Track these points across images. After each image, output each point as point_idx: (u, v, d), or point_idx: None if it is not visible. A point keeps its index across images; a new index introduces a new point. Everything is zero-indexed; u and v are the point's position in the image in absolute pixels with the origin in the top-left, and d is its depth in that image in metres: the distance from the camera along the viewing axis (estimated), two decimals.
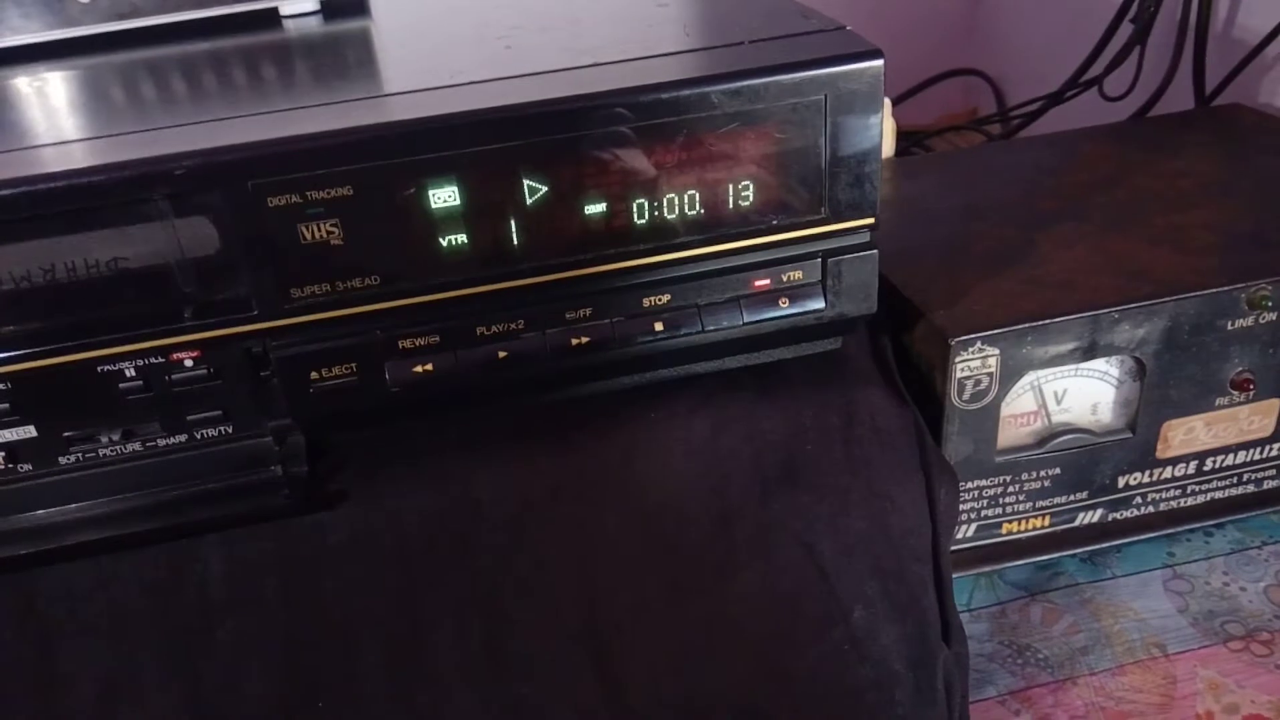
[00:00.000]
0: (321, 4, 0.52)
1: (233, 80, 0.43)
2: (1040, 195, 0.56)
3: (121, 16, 0.49)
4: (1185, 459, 0.51)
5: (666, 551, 0.40)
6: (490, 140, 0.36)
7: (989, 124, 0.89)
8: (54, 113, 0.42)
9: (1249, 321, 0.47)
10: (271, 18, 0.51)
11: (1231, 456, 0.51)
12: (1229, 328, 0.47)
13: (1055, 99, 0.81)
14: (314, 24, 0.51)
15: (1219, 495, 0.52)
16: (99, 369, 0.37)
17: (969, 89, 1.03)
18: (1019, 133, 0.86)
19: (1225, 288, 0.46)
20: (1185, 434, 0.50)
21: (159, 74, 0.46)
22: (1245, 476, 0.52)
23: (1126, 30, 0.75)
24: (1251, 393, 0.49)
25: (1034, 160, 0.62)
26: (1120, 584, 0.52)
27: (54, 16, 0.49)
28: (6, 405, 0.37)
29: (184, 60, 0.47)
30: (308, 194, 0.35)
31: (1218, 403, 0.49)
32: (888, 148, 0.64)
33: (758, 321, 0.41)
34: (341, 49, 0.48)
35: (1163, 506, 0.52)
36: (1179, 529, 0.52)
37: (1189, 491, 0.52)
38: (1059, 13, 0.89)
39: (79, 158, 0.35)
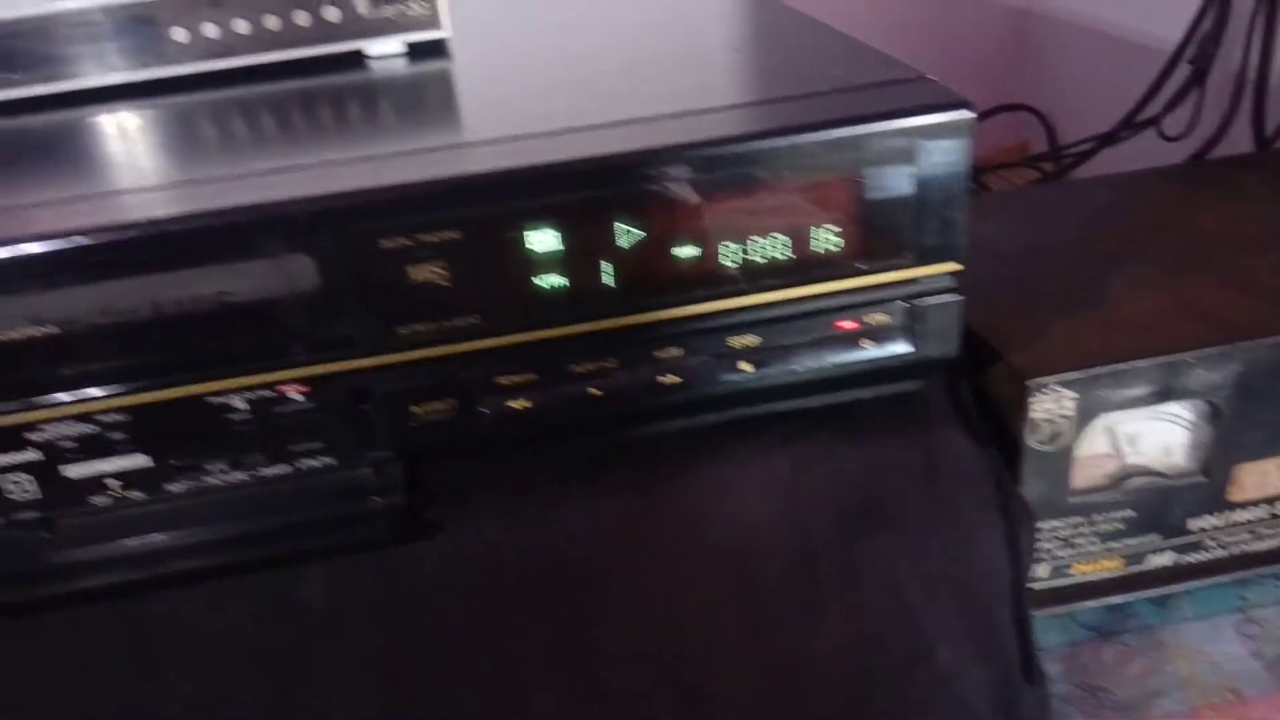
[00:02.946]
0: (406, 46, 0.53)
1: (338, 123, 0.45)
2: (1106, 236, 0.57)
3: (216, 56, 0.51)
4: (1257, 502, 0.51)
5: (752, 589, 0.41)
6: (590, 187, 0.37)
7: (1042, 161, 0.90)
8: (170, 153, 0.44)
9: None
10: (357, 60, 0.53)
11: None
12: None
13: (1109, 138, 0.81)
14: (399, 66, 0.52)
15: None
16: (211, 401, 0.38)
17: (1019, 124, 1.04)
18: (1072, 171, 0.86)
19: None
20: (1258, 477, 0.50)
21: (265, 115, 0.47)
22: None
23: (1183, 70, 0.75)
24: None
25: (1096, 201, 0.62)
26: (1192, 627, 0.52)
27: (151, 55, 0.51)
28: (123, 435, 0.39)
29: (287, 101, 0.48)
30: (418, 237, 0.36)
31: None
32: None
33: (842, 363, 0.42)
34: (434, 92, 0.49)
35: (1234, 550, 0.52)
36: (1251, 573, 0.52)
37: (1261, 535, 0.52)
38: (1113, 50, 0.89)
39: (199, 200, 0.36)
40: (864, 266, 0.40)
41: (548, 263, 0.38)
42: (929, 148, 0.38)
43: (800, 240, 0.40)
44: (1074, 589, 0.51)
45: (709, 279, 0.40)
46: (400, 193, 0.36)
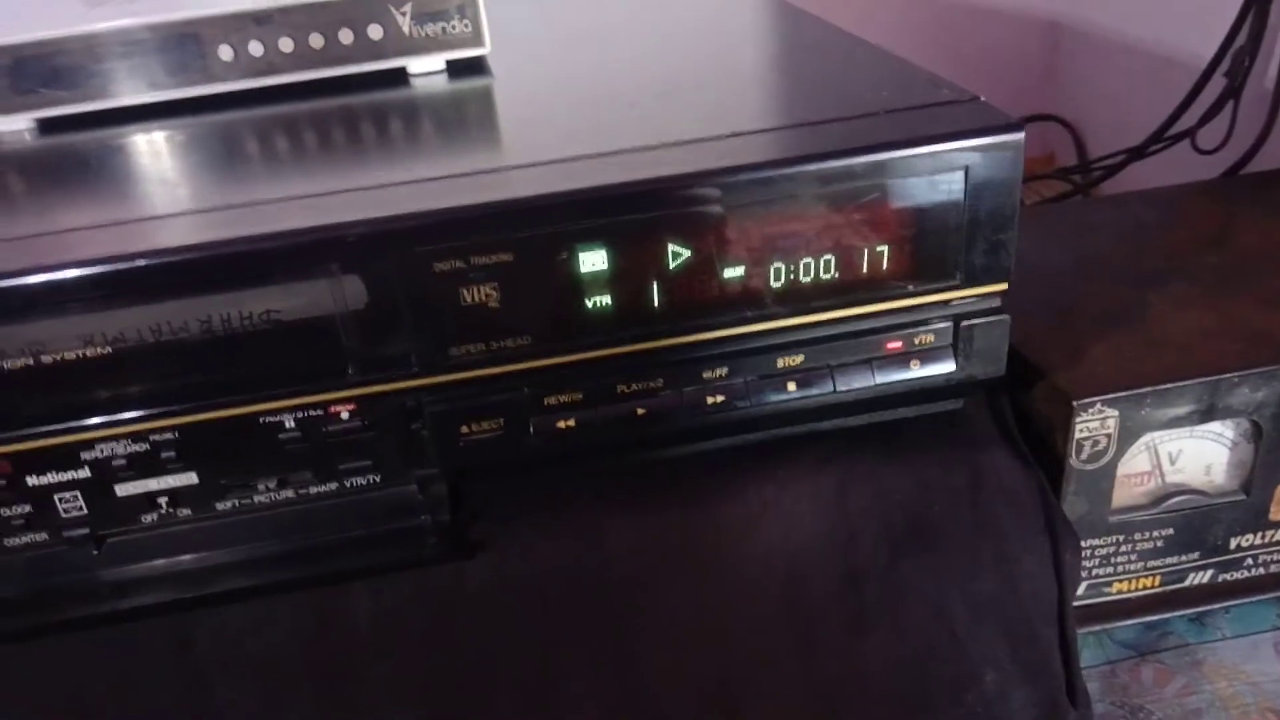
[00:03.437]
0: (447, 63, 0.54)
1: (387, 143, 0.45)
2: (1147, 254, 0.56)
3: (261, 74, 0.51)
4: None
5: (797, 608, 0.41)
6: (641, 210, 0.37)
7: (1071, 174, 0.90)
8: (222, 173, 0.44)
9: None
10: (400, 76, 0.53)
11: None
12: None
13: (1139, 152, 0.81)
14: (441, 83, 0.53)
15: None
16: (262, 420, 0.39)
17: (1046, 133, 1.03)
18: (1101, 183, 0.86)
19: None
20: None
21: (313, 134, 0.48)
22: None
23: (1217, 84, 0.75)
24: None
25: (1134, 216, 0.62)
26: (1230, 645, 0.51)
27: (197, 73, 0.51)
28: (173, 453, 0.39)
29: (335, 120, 0.49)
30: (471, 259, 0.37)
31: None
32: None
33: (889, 383, 0.42)
34: (479, 112, 0.49)
35: (1274, 568, 0.52)
36: None
37: None
38: (1141, 64, 0.89)
39: (256, 222, 0.37)
40: (912, 287, 0.41)
41: (597, 284, 0.38)
42: (980, 170, 0.38)
43: (848, 261, 0.40)
44: (1112, 607, 0.51)
45: (756, 299, 0.40)
46: (454, 216, 0.36)
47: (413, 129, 0.48)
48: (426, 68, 0.53)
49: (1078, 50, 0.99)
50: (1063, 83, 1.01)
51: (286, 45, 0.51)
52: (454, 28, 0.52)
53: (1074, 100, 1.00)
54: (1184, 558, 0.50)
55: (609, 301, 0.39)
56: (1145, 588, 0.51)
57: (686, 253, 0.39)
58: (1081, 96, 0.99)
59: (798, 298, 0.40)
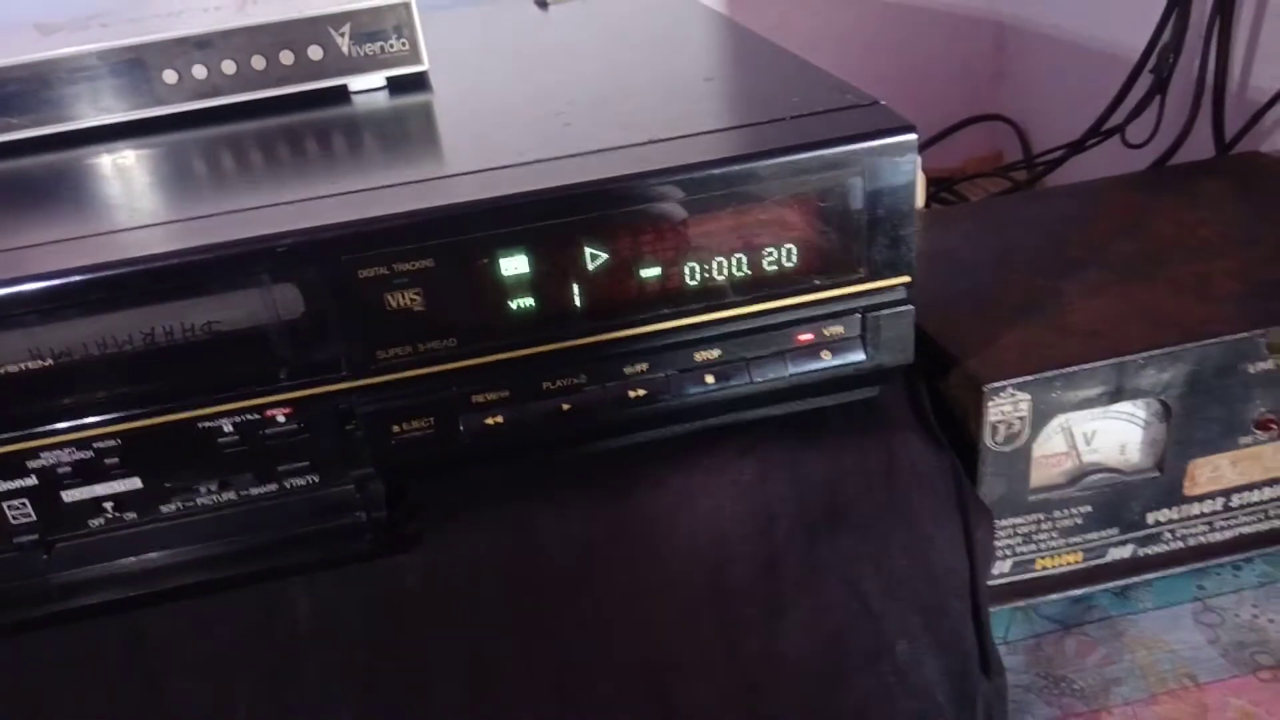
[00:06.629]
0: (387, 80, 0.56)
1: (322, 158, 0.47)
2: (1067, 244, 0.59)
3: (204, 95, 0.54)
4: (1212, 495, 0.53)
5: (720, 592, 0.43)
6: (558, 215, 0.40)
7: (1015, 170, 0.92)
8: (163, 191, 0.46)
9: (1270, 365, 0.49)
10: (341, 94, 0.55)
11: (1257, 493, 0.53)
12: (1251, 371, 0.49)
13: (1076, 147, 0.83)
14: (381, 100, 0.55)
15: (1246, 530, 0.54)
16: (201, 425, 0.41)
17: (994, 133, 1.06)
18: (1043, 179, 0.88)
19: (1246, 334, 0.49)
20: (1211, 472, 0.52)
21: (253, 151, 0.50)
22: (1271, 512, 0.54)
23: (1147, 80, 0.77)
24: (1275, 432, 0.51)
25: (1059, 210, 0.65)
26: (1152, 616, 0.54)
27: (143, 96, 0.53)
28: (116, 459, 0.41)
29: (273, 137, 0.51)
30: (394, 266, 0.39)
31: (1242, 442, 0.51)
32: (919, 199, 0.67)
33: (802, 373, 0.44)
34: (414, 127, 0.51)
35: (1191, 542, 0.54)
36: (1208, 563, 0.54)
37: (1216, 527, 0.54)
38: (1082, 62, 0.92)
39: (191, 236, 0.39)
40: (820, 282, 0.43)
41: (518, 287, 0.40)
42: (877, 169, 0.41)
43: (758, 259, 0.42)
44: (1036, 583, 0.53)
45: (673, 297, 0.42)
46: (375, 225, 0.38)
47: (352, 144, 0.50)
48: (367, 85, 0.55)
49: (1022, 51, 1.01)
50: (1009, 83, 1.04)
51: (229, 68, 0.53)
52: (392, 46, 0.54)
53: (1019, 100, 1.03)
54: (1104, 533, 0.53)
55: (531, 303, 0.41)
56: (1068, 564, 0.53)
57: (604, 255, 0.41)
58: (1026, 96, 1.02)
59: (711, 295, 0.42)
